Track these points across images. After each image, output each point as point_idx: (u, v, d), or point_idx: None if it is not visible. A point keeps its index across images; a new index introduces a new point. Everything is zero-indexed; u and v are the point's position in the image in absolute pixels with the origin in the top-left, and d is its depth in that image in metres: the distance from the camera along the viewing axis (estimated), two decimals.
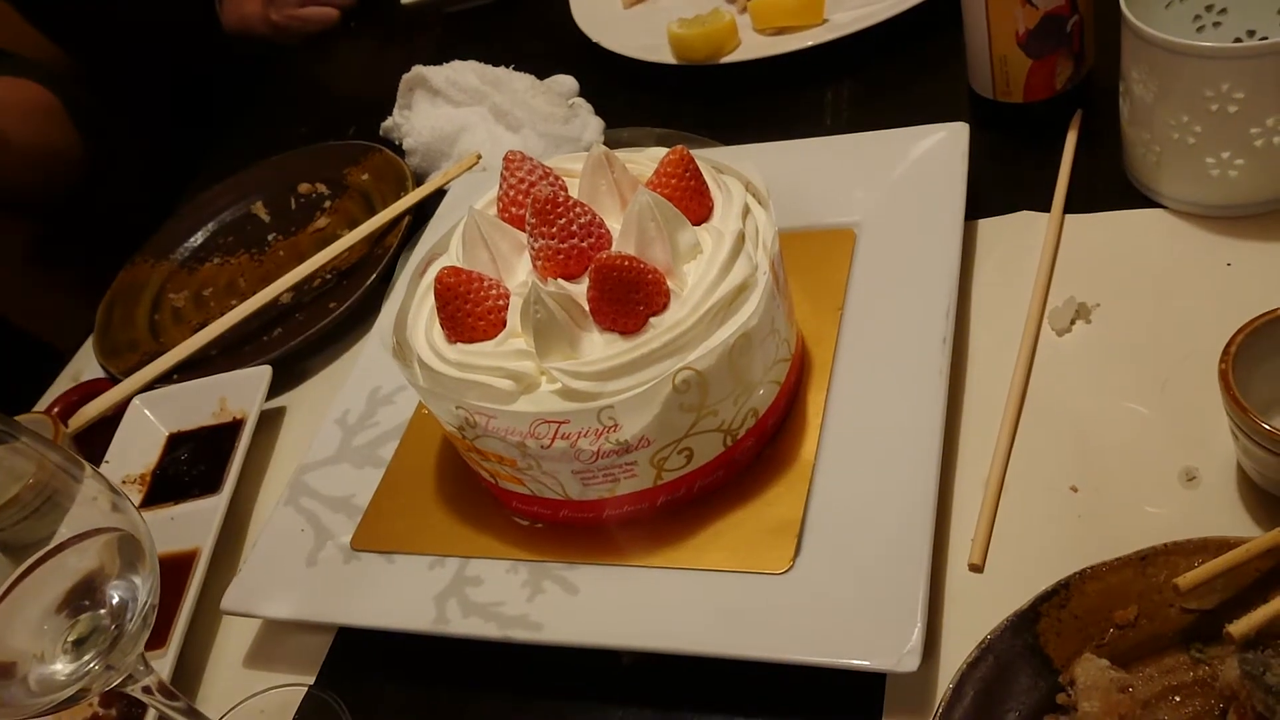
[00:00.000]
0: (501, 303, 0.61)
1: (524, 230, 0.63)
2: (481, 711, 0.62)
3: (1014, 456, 0.61)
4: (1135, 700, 0.48)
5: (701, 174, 0.64)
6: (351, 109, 1.20)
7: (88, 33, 1.46)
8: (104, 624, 0.50)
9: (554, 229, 0.60)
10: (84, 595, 0.51)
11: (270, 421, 0.85)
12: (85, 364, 1.00)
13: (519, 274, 0.64)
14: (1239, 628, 0.47)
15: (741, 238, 0.61)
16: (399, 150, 1.04)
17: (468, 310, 0.60)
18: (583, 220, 0.60)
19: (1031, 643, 0.50)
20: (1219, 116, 0.64)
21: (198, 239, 1.08)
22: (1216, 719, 0.48)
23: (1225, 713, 0.47)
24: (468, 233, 0.65)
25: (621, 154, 0.66)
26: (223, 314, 0.91)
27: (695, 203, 0.63)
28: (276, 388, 0.85)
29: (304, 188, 1.07)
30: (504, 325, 0.61)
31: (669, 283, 0.59)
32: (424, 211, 0.95)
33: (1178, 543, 0.51)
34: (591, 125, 0.97)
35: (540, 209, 0.60)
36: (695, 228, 0.62)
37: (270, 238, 1.04)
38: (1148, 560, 0.51)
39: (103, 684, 0.51)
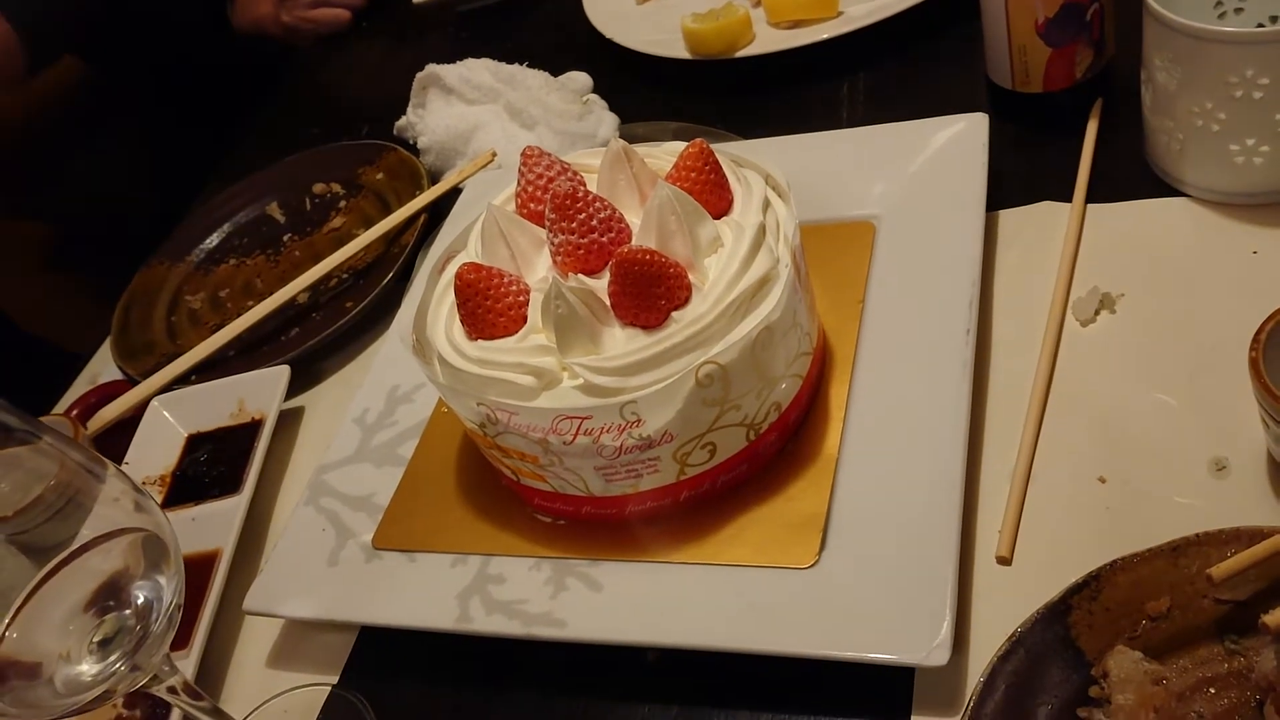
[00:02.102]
0: (522, 299, 0.61)
1: (543, 226, 0.63)
2: (505, 709, 0.61)
3: (1040, 448, 0.60)
4: (1170, 692, 0.47)
5: (721, 167, 0.64)
6: (365, 108, 1.20)
7: (99, 34, 1.46)
8: (129, 624, 0.50)
9: (574, 224, 0.59)
10: (109, 596, 0.50)
11: (289, 421, 0.85)
12: (103, 366, 1.00)
13: (539, 270, 0.64)
14: (1275, 618, 0.46)
15: (762, 231, 0.61)
16: (413, 149, 1.04)
17: (488, 306, 0.60)
18: (602, 215, 0.60)
19: (1063, 635, 0.50)
20: (1243, 103, 0.63)
21: (213, 240, 1.08)
22: (1252, 711, 0.47)
23: (1261, 704, 0.47)
24: (487, 229, 0.64)
25: (640, 149, 0.66)
26: (239, 315, 0.91)
27: (715, 196, 0.63)
28: (294, 388, 0.85)
29: (319, 188, 1.07)
30: (525, 321, 0.61)
31: (690, 277, 0.59)
32: (439, 210, 0.95)
33: (1210, 533, 0.50)
34: (606, 121, 0.96)
35: (560, 204, 0.59)
36: (715, 221, 0.62)
37: (286, 238, 1.04)
38: (1180, 551, 0.50)
39: (129, 684, 0.51)
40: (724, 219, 0.62)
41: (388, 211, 0.96)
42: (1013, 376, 0.65)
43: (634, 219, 0.63)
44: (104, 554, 0.50)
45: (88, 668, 0.49)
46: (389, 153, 1.05)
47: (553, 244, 0.61)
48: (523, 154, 0.66)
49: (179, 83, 1.58)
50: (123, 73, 1.56)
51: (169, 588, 0.51)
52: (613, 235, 0.60)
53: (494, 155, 0.95)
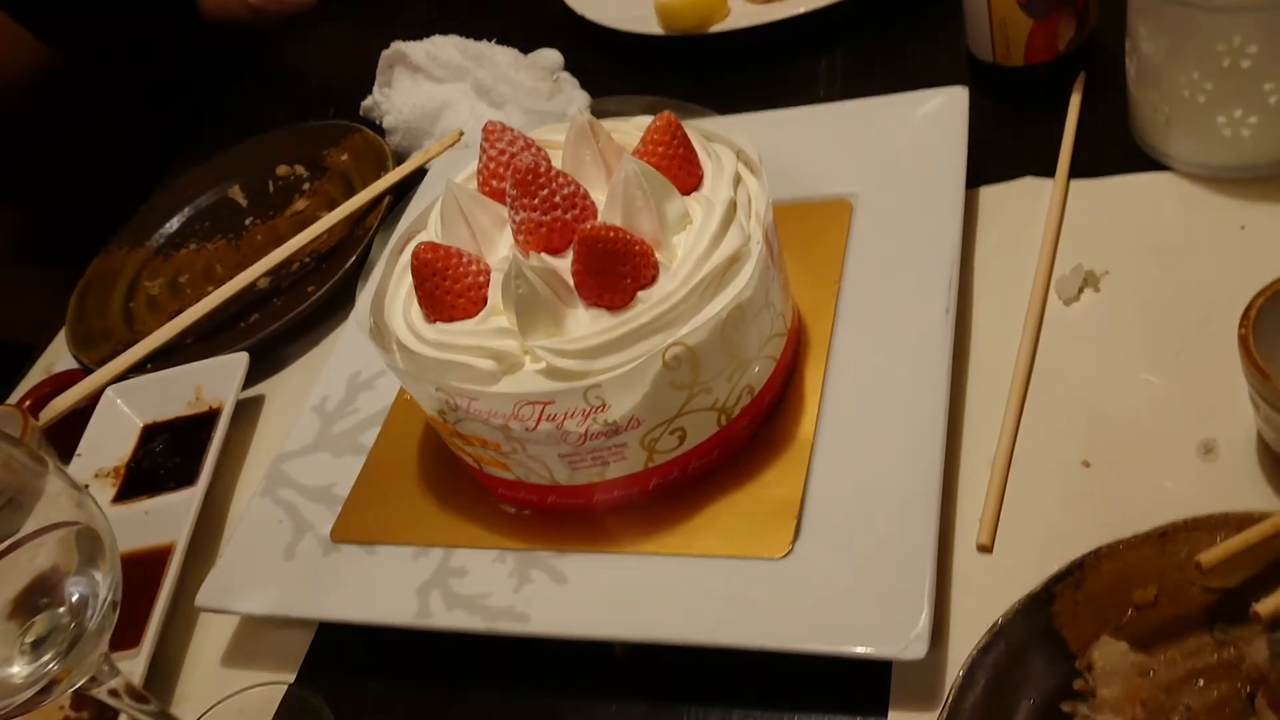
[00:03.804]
0: (482, 279, 0.58)
1: (505, 204, 0.60)
2: (469, 707, 0.59)
3: (1022, 431, 0.58)
4: (1157, 685, 0.45)
5: (690, 141, 0.61)
6: (331, 89, 1.17)
7: (62, 18, 1.43)
8: (63, 623, 0.48)
9: (535, 200, 0.57)
10: (42, 593, 0.48)
11: (248, 411, 0.83)
12: (58, 356, 0.97)
13: (500, 249, 0.61)
14: (1267, 606, 0.44)
15: (733, 207, 0.58)
16: (380, 130, 1.01)
17: (446, 287, 0.57)
18: (566, 191, 0.57)
19: (1045, 626, 0.48)
20: (1231, 73, 0.61)
21: (173, 225, 1.04)
22: (1243, 703, 0.45)
23: (1253, 696, 0.45)
24: (446, 207, 0.62)
25: (607, 123, 0.63)
26: (199, 301, 0.88)
27: (684, 171, 0.60)
28: (254, 376, 0.83)
29: (282, 170, 1.04)
30: (485, 303, 0.58)
31: (657, 255, 0.56)
32: (405, 192, 0.92)
33: (1199, 518, 0.48)
34: (577, 99, 0.94)
35: (521, 179, 0.57)
36: (684, 197, 0.59)
37: (248, 222, 1.01)
38: (1167, 537, 0.48)
39: (65, 686, 0.48)
40: (693, 195, 0.60)
41: (352, 193, 0.93)
42: (994, 358, 0.62)
43: (600, 196, 0.60)
44: (34, 550, 0.48)
45: (19, 669, 0.47)
46: (354, 133, 1.02)
47: (514, 221, 0.58)
48: (484, 129, 0.63)
49: (145, 67, 1.54)
50: (88, 58, 1.52)
51: (105, 584, 0.48)
52: (577, 212, 0.58)
53: (461, 134, 0.92)
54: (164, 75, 1.51)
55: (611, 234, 0.53)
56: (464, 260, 0.58)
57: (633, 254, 0.54)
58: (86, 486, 0.60)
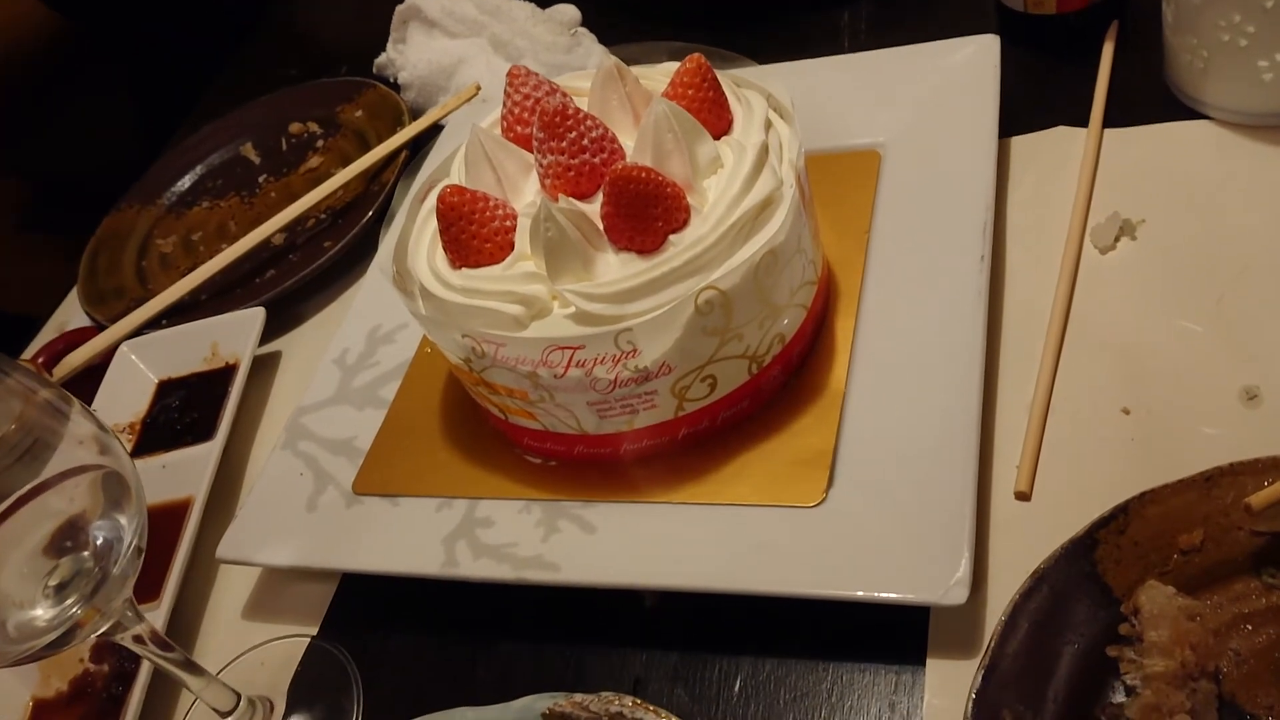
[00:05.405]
0: (509, 223, 0.57)
1: (530, 150, 0.59)
2: (495, 658, 0.58)
3: (1059, 379, 0.57)
4: (1205, 629, 0.44)
5: (720, 85, 0.60)
6: (343, 46, 1.15)
7: None
8: (87, 567, 0.47)
9: (563, 143, 0.56)
10: (66, 537, 0.47)
11: (265, 367, 0.82)
12: (71, 314, 0.96)
13: (526, 195, 0.60)
14: None
15: (765, 150, 0.57)
16: (394, 86, 1.00)
17: (473, 232, 0.56)
18: (594, 134, 0.56)
19: (1089, 571, 0.47)
20: (1274, 14, 0.59)
21: (185, 183, 1.03)
22: None
23: None
24: (470, 153, 0.60)
25: (634, 70, 0.62)
26: (213, 258, 0.87)
27: (714, 115, 0.59)
28: (271, 332, 0.82)
29: (295, 128, 1.03)
30: (512, 248, 0.57)
31: (689, 198, 0.55)
32: (421, 148, 0.91)
33: (1245, 462, 0.47)
34: (595, 54, 0.92)
35: (548, 122, 0.55)
36: (715, 141, 0.58)
37: (261, 179, 1.00)
38: (1213, 481, 0.47)
39: (88, 630, 0.47)
40: (724, 139, 0.58)
41: (367, 150, 0.92)
42: (1029, 307, 0.61)
43: (628, 142, 0.59)
44: (61, 493, 0.47)
45: (42, 612, 0.46)
46: (368, 89, 1.00)
47: (541, 165, 0.57)
48: (509, 74, 0.62)
49: (154, 26, 1.52)
50: (98, 20, 1.50)
51: (129, 528, 0.47)
52: (605, 155, 0.56)
53: (478, 89, 0.90)
54: (173, 34, 1.50)
55: (644, 175, 0.52)
56: (490, 204, 0.57)
57: (665, 196, 0.53)
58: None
